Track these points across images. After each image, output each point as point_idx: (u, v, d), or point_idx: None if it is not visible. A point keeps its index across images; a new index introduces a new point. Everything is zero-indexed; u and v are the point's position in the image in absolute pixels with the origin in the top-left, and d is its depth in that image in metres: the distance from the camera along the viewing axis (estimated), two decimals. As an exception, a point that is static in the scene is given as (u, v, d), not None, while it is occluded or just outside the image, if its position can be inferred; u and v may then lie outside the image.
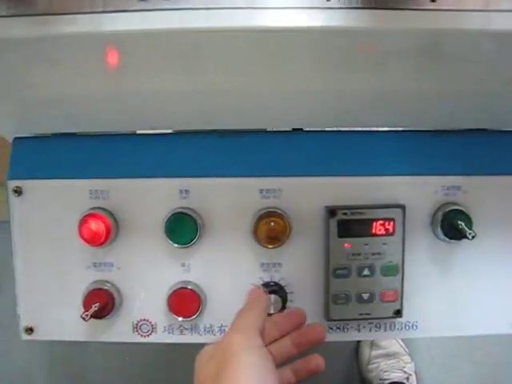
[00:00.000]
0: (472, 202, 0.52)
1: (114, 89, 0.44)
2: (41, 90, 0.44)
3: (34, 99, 0.46)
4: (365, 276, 0.51)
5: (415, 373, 0.94)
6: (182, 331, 0.54)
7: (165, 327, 0.53)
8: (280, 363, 0.44)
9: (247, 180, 0.51)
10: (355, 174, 0.51)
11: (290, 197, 0.51)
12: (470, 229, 0.48)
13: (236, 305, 0.47)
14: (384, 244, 0.51)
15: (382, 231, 0.51)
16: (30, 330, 0.53)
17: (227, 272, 0.52)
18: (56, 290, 0.53)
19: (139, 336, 0.54)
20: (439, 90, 0.45)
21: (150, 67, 0.41)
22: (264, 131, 0.53)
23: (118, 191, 0.51)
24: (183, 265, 0.52)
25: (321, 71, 0.42)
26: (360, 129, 0.53)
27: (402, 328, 0.54)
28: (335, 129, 0.53)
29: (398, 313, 0.52)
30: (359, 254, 0.51)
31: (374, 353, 0.94)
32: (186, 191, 0.51)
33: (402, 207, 0.50)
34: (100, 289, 0.51)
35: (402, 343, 0.95)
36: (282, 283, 0.52)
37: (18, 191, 0.51)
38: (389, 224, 0.50)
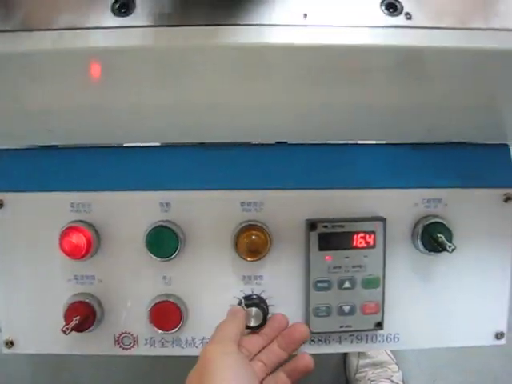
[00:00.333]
0: (452, 215, 0.52)
1: (96, 103, 0.44)
2: (21, 103, 0.44)
3: (15, 112, 0.46)
4: (346, 288, 0.51)
5: (403, 382, 0.94)
6: (163, 344, 0.53)
7: (146, 340, 0.53)
8: (272, 369, 0.46)
9: (228, 193, 0.51)
10: (336, 187, 0.52)
11: (271, 210, 0.51)
12: (450, 242, 0.49)
13: (217, 318, 0.47)
14: (365, 257, 0.51)
15: (363, 244, 0.51)
16: (10, 344, 0.53)
17: (209, 285, 0.52)
18: (37, 303, 0.52)
19: (121, 349, 0.54)
20: (420, 104, 0.45)
21: (131, 81, 0.41)
22: (245, 144, 0.53)
23: (99, 204, 0.51)
24: (164, 278, 0.52)
25: (304, 85, 0.43)
26: (341, 142, 0.53)
27: (383, 340, 0.54)
28: (317, 142, 0.53)
29: (379, 325, 0.52)
30: (340, 267, 0.51)
31: (361, 362, 0.94)
32: (167, 204, 0.51)
33: (383, 220, 0.51)
34: (81, 302, 0.51)
35: (389, 352, 0.95)
36: (264, 296, 0.52)
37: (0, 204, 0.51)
38: (369, 237, 0.51)
